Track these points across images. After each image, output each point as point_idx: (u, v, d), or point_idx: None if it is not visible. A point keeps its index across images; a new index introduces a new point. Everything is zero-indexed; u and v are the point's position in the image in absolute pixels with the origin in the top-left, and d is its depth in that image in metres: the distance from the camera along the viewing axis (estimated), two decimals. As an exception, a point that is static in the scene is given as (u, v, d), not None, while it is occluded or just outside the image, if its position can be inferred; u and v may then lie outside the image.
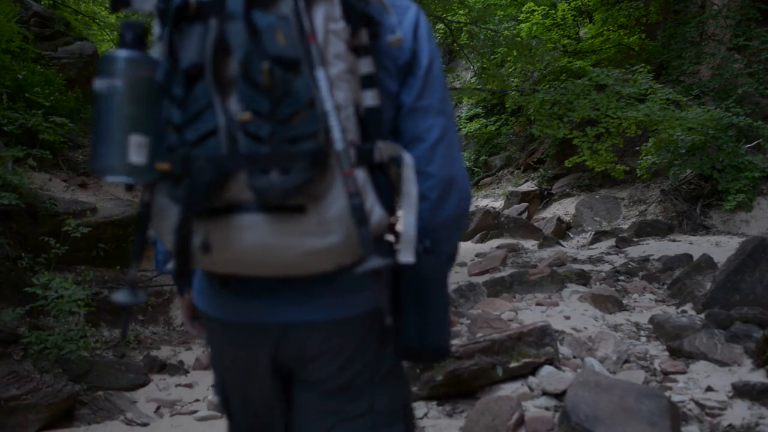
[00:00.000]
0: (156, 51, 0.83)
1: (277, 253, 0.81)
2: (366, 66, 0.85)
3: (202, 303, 1.02)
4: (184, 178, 0.78)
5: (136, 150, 0.79)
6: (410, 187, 0.88)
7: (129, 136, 0.79)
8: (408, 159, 0.90)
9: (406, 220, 0.88)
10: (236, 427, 1.10)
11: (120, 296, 0.88)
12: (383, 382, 0.97)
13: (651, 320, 3.27)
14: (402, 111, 0.96)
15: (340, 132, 0.77)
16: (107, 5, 9.90)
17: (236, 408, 1.08)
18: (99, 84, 0.82)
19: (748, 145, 7.17)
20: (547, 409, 2.25)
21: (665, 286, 4.28)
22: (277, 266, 0.84)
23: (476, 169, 14.06)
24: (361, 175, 0.80)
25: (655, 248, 5.91)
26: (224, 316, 0.97)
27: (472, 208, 10.49)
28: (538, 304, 3.91)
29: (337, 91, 0.79)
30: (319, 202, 0.78)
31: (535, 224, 8.86)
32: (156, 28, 0.84)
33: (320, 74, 0.77)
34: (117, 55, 0.80)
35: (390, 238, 0.93)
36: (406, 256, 0.87)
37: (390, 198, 0.87)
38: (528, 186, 11.36)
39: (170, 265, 0.92)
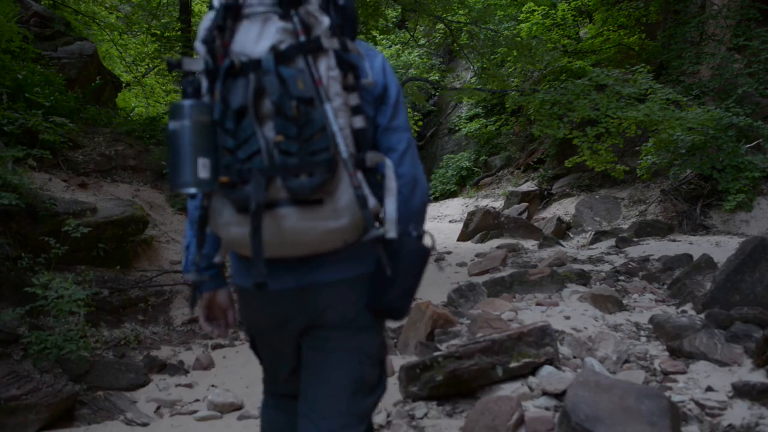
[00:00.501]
0: (204, 97, 1.18)
1: (303, 234, 1.17)
2: (354, 99, 1.21)
3: (242, 281, 1.36)
4: (239, 186, 1.14)
5: (203, 169, 1.12)
6: (391, 183, 1.24)
7: (198, 159, 1.11)
8: (389, 163, 1.26)
9: (388, 206, 1.22)
10: (266, 370, 1.52)
11: (190, 276, 1.29)
12: (371, 331, 1.35)
13: (651, 320, 3.26)
14: (379, 130, 1.32)
15: (345, 146, 1.14)
16: (107, 5, 9.91)
17: (265, 359, 1.48)
18: (173, 125, 1.14)
19: (748, 145, 7.17)
20: (547, 409, 2.25)
21: (665, 286, 4.28)
22: (303, 245, 1.21)
23: (476, 169, 14.06)
24: (359, 176, 1.17)
25: (655, 248, 5.91)
26: (249, 285, 1.30)
27: (472, 208, 10.51)
28: (538, 304, 3.91)
29: (339, 118, 1.15)
30: (332, 196, 1.15)
31: (535, 224, 8.86)
32: (203, 83, 1.18)
33: (327, 107, 1.13)
34: (183, 104, 1.14)
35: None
36: (391, 232, 1.20)
37: (378, 191, 1.22)
38: (528, 186, 11.36)
39: (218, 258, 1.34)
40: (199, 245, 1.26)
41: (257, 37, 1.17)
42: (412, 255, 1.28)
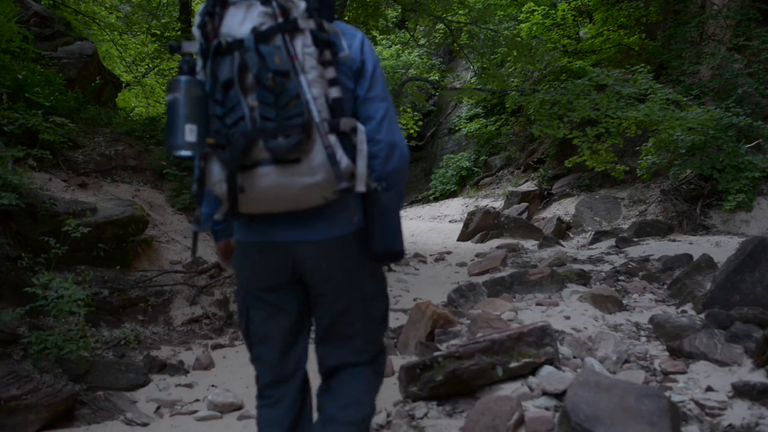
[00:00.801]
0: (199, 74, 1.39)
1: (283, 189, 1.35)
2: (330, 73, 1.38)
3: (240, 235, 1.58)
4: (227, 147, 1.33)
5: (190, 133, 1.31)
6: (362, 146, 1.40)
7: (186, 126, 1.31)
8: (360, 128, 1.42)
9: (358, 165, 1.39)
10: (262, 347, 1.65)
11: (193, 226, 1.58)
12: (370, 277, 1.59)
13: (651, 320, 3.26)
14: (358, 101, 1.48)
15: (317, 112, 1.32)
16: (107, 5, 9.91)
17: (263, 328, 1.62)
18: (169, 97, 1.35)
19: (748, 145, 7.17)
20: (547, 409, 2.25)
21: (665, 286, 4.28)
22: (284, 201, 1.38)
23: (476, 169, 14.06)
24: (332, 138, 1.34)
25: (655, 248, 5.91)
26: (255, 239, 1.53)
27: (472, 208, 10.50)
28: (538, 304, 3.91)
29: (313, 88, 1.33)
30: (308, 155, 1.32)
31: (535, 224, 8.87)
32: (198, 61, 1.39)
33: (302, 78, 1.31)
34: (179, 79, 1.35)
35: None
36: (360, 186, 1.38)
37: (351, 153, 1.38)
38: (528, 186, 11.37)
39: (217, 215, 1.48)
40: (198, 201, 1.47)
41: (241, 21, 1.36)
42: (386, 205, 1.50)
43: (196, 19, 1.42)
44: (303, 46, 1.34)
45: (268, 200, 1.39)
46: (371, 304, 1.61)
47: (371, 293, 1.61)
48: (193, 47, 1.40)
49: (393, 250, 1.55)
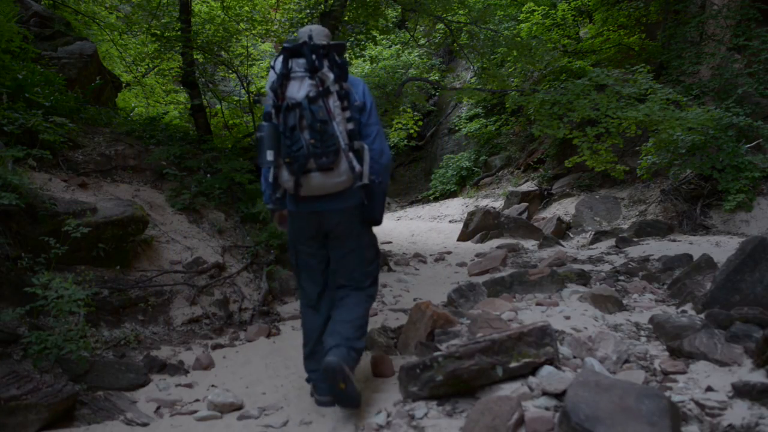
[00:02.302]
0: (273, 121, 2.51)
1: (324, 185, 2.47)
2: (347, 114, 2.48)
3: (291, 208, 2.64)
4: (294, 162, 2.43)
5: (269, 155, 2.42)
6: (366, 156, 2.49)
7: (267, 151, 2.41)
8: (366, 147, 2.51)
9: (364, 168, 2.49)
10: (306, 285, 2.78)
11: (269, 205, 2.69)
12: (365, 233, 2.68)
13: (651, 320, 3.26)
14: (362, 125, 2.56)
15: (343, 141, 2.45)
16: (107, 5, 9.90)
17: (305, 263, 2.74)
18: (258, 134, 2.44)
19: (748, 145, 7.17)
20: (547, 409, 2.25)
21: (665, 286, 4.28)
22: (323, 190, 2.49)
23: (476, 169, 14.06)
24: (351, 155, 2.46)
25: (655, 248, 5.91)
26: (302, 210, 2.59)
27: (472, 208, 10.50)
28: (538, 304, 3.91)
29: (339, 127, 2.45)
30: (338, 166, 2.44)
31: (535, 224, 8.86)
32: (273, 113, 2.49)
33: (334, 124, 2.44)
34: (264, 124, 2.42)
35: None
36: (364, 180, 2.50)
37: (360, 162, 2.48)
38: (528, 186, 11.37)
39: (278, 195, 2.62)
40: (274, 190, 2.63)
41: (298, 89, 2.47)
42: (377, 191, 2.61)
43: (269, 84, 2.55)
44: (333, 102, 2.48)
45: (314, 190, 2.52)
46: (366, 250, 2.73)
47: (366, 243, 2.74)
48: (268, 102, 2.54)
49: (376, 218, 2.70)
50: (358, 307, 2.67)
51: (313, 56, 2.45)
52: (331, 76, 2.46)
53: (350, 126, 2.49)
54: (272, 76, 2.51)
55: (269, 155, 2.42)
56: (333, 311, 2.70)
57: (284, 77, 2.47)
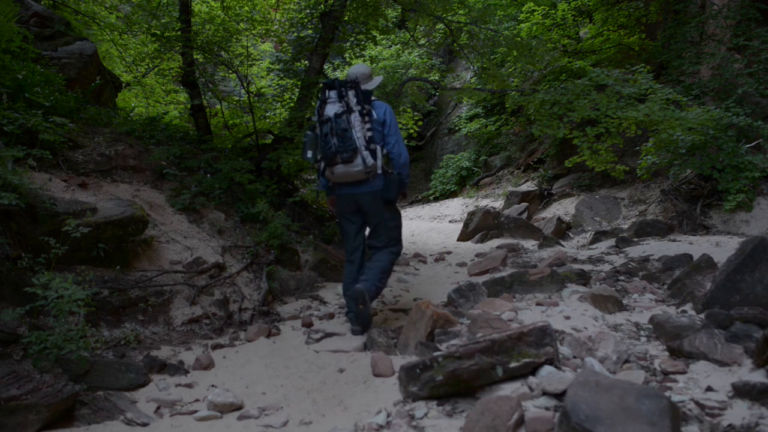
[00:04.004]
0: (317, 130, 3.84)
1: (347, 174, 3.71)
2: (367, 125, 3.70)
3: (337, 192, 3.92)
4: (325, 158, 3.72)
5: (311, 154, 3.76)
6: (379, 155, 3.75)
7: (309, 150, 3.75)
8: (379, 148, 3.76)
9: (377, 163, 3.73)
10: (348, 246, 4.05)
11: (322, 189, 4.11)
12: (387, 209, 3.89)
13: (651, 320, 3.27)
14: (385, 136, 3.80)
15: (360, 142, 3.67)
16: (107, 5, 9.90)
17: (346, 235, 4.02)
18: (304, 138, 3.79)
19: (748, 145, 7.17)
20: (547, 409, 2.25)
21: (665, 286, 4.28)
22: (347, 178, 3.74)
23: (476, 169, 14.06)
24: (366, 152, 3.67)
25: (655, 248, 5.91)
26: (340, 193, 3.89)
27: (472, 208, 10.49)
28: (538, 304, 3.91)
29: (357, 134, 3.66)
30: (355, 160, 3.65)
31: (535, 224, 8.86)
32: (315, 123, 3.85)
33: (353, 131, 3.66)
34: (309, 132, 3.79)
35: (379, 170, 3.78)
36: (378, 171, 3.75)
37: (376, 158, 3.72)
38: (528, 186, 11.37)
39: (330, 184, 3.94)
40: (320, 178, 3.94)
41: (331, 109, 3.69)
42: (394, 180, 3.77)
43: (317, 108, 3.79)
44: (354, 117, 3.65)
45: (340, 177, 3.72)
46: (388, 221, 3.89)
47: (389, 216, 3.90)
48: (314, 119, 3.81)
49: (391, 199, 3.82)
50: (384, 258, 3.88)
51: (342, 89, 3.71)
52: (354, 100, 3.68)
53: (369, 134, 3.67)
54: (318, 102, 3.82)
55: (310, 154, 3.72)
56: (368, 264, 3.92)
57: (323, 102, 3.76)
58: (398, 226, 3.97)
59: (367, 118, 3.64)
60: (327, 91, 3.74)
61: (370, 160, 3.62)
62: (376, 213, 3.81)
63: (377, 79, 3.99)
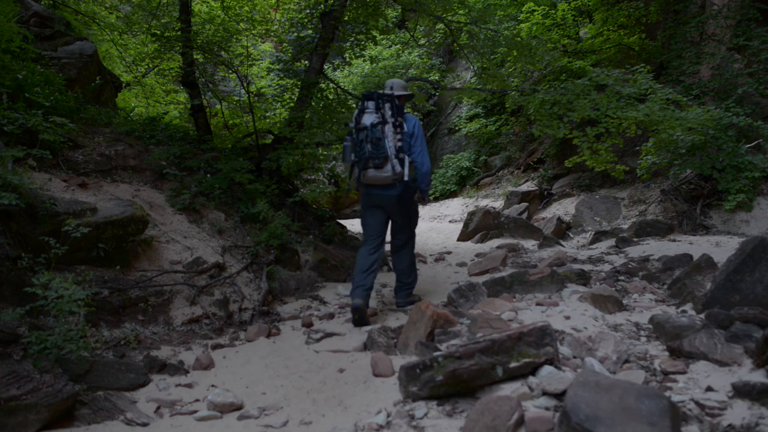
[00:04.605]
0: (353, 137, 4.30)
1: (377, 177, 4.17)
2: (398, 137, 4.17)
3: (364, 191, 4.38)
4: (360, 162, 4.19)
5: (350, 155, 4.24)
6: (406, 163, 4.18)
7: (349, 153, 4.24)
8: (407, 157, 4.22)
9: (405, 170, 4.17)
10: (367, 234, 4.44)
11: (354, 185, 4.50)
12: (408, 209, 4.47)
13: (651, 320, 3.26)
14: (411, 145, 4.26)
15: (390, 151, 4.13)
16: (107, 5, 9.90)
17: (365, 227, 4.46)
18: (344, 143, 4.28)
19: (748, 145, 7.16)
20: (547, 409, 2.25)
21: (665, 286, 4.28)
22: (377, 181, 4.20)
23: (476, 169, 14.06)
24: (395, 161, 4.14)
25: (655, 248, 5.91)
26: (367, 192, 4.36)
27: (472, 208, 10.50)
28: (538, 304, 3.91)
29: (389, 143, 4.13)
30: (386, 166, 4.12)
31: (535, 224, 8.86)
32: (352, 130, 4.25)
33: (385, 141, 4.12)
34: (348, 138, 4.27)
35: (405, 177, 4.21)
36: (405, 178, 4.17)
37: (403, 167, 4.17)
38: (528, 186, 11.36)
39: (356, 180, 4.33)
40: (352, 177, 4.33)
41: (368, 119, 4.15)
42: (412, 188, 4.28)
43: (354, 116, 4.23)
44: (388, 128, 4.12)
45: (370, 180, 4.18)
46: (409, 221, 4.49)
47: (411, 214, 4.50)
48: (350, 125, 4.24)
49: (411, 203, 4.46)
50: (406, 255, 4.55)
51: (379, 101, 4.16)
52: (389, 113, 4.14)
53: (399, 144, 4.13)
54: (356, 112, 4.27)
55: (350, 156, 4.21)
56: (393, 258, 4.61)
57: (361, 112, 4.22)
58: (415, 222, 4.65)
59: (398, 130, 4.12)
60: (365, 102, 4.20)
61: (398, 168, 4.08)
62: (397, 213, 4.36)
63: (410, 93, 4.52)
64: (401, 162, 4.10)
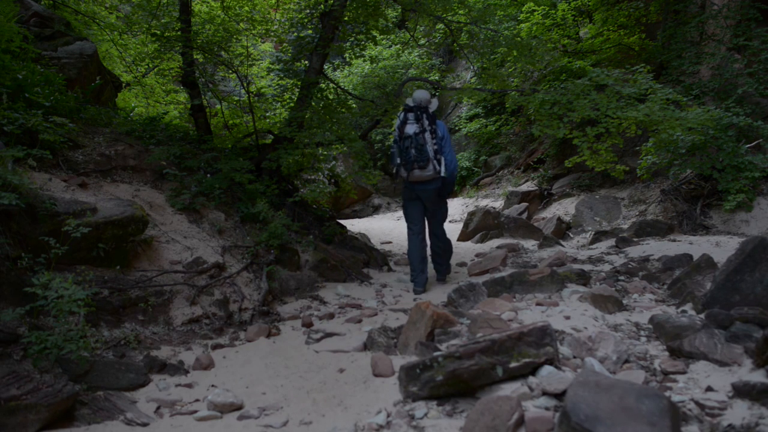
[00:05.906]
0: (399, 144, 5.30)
1: (421, 176, 5.18)
2: (434, 141, 5.16)
3: (406, 185, 5.44)
4: (406, 164, 5.17)
5: (397, 159, 5.21)
6: (443, 162, 5.17)
7: (396, 157, 5.23)
8: (443, 159, 5.18)
9: (442, 169, 5.16)
10: (411, 219, 5.57)
11: (396, 177, 5.52)
12: (442, 202, 5.54)
13: (651, 320, 3.26)
14: (442, 147, 5.21)
15: (431, 154, 5.14)
16: (107, 5, 9.90)
17: (410, 214, 5.56)
18: (392, 150, 5.33)
19: (748, 145, 7.16)
20: (547, 409, 2.25)
21: (665, 286, 4.28)
22: (420, 179, 5.21)
23: (476, 169, 14.05)
24: (435, 162, 5.15)
25: (655, 248, 5.91)
26: (410, 186, 5.38)
27: (472, 208, 10.50)
28: (538, 304, 3.91)
29: (429, 148, 5.13)
30: (428, 167, 5.13)
31: (535, 224, 8.86)
32: (397, 138, 5.26)
33: (427, 146, 5.12)
34: (394, 145, 5.28)
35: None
36: (443, 175, 5.18)
37: (440, 165, 5.17)
38: (528, 186, 11.36)
39: (402, 173, 5.28)
40: (398, 174, 5.28)
41: (411, 128, 5.14)
42: (448, 182, 5.30)
43: (396, 124, 5.27)
44: (427, 136, 5.10)
45: (416, 178, 5.17)
46: (442, 211, 5.58)
47: (442, 203, 5.51)
48: (396, 133, 5.24)
49: (445, 196, 5.46)
50: (443, 237, 5.60)
51: (418, 112, 5.13)
52: (427, 122, 5.09)
53: (435, 147, 5.07)
54: (398, 121, 5.21)
55: (398, 159, 5.14)
56: (431, 241, 5.57)
57: (403, 122, 5.16)
58: (446, 213, 5.66)
59: (434, 136, 5.11)
60: (406, 114, 5.20)
61: (437, 167, 5.11)
62: (434, 205, 5.40)
63: (435, 102, 5.37)
64: (438, 162, 5.10)
